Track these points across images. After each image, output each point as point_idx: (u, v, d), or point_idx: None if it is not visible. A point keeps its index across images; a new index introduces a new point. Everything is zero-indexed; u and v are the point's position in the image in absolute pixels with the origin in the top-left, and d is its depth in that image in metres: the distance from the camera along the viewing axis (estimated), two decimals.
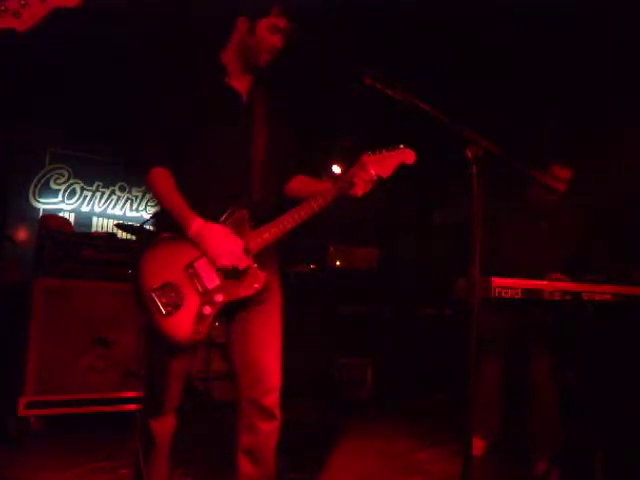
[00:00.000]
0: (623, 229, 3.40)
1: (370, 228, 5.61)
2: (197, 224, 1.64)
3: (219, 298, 1.64)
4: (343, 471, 2.78)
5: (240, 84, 1.81)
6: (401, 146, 1.79)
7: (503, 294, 2.16)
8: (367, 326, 4.94)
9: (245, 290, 1.67)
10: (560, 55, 3.70)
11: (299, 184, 1.93)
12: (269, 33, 1.72)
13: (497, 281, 2.17)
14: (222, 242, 1.63)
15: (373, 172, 1.73)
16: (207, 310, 1.62)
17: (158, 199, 1.73)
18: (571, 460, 2.76)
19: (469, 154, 1.52)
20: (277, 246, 1.79)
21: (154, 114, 1.78)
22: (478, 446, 2.98)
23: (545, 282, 2.36)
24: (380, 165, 1.76)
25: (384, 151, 1.78)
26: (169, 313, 1.60)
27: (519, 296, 2.19)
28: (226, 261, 1.63)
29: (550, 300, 2.23)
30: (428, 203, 5.66)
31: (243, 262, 1.65)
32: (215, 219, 1.69)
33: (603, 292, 2.33)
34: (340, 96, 4.05)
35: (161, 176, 1.71)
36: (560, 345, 2.84)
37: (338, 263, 5.39)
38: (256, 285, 1.68)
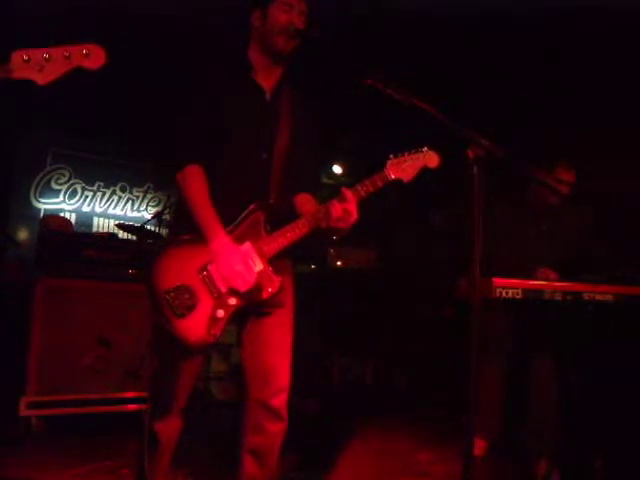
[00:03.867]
0: (624, 229, 3.40)
1: (369, 229, 5.61)
2: (221, 241, 1.64)
3: (232, 301, 1.64)
4: (343, 471, 2.78)
5: (266, 81, 1.81)
6: (425, 149, 1.76)
7: (504, 294, 2.16)
8: (367, 326, 4.94)
9: (259, 294, 1.66)
10: (562, 54, 3.70)
11: (302, 202, 1.87)
12: (282, 13, 1.71)
13: (498, 281, 2.17)
14: (238, 268, 1.62)
15: (353, 207, 1.67)
16: (220, 313, 1.62)
17: (187, 200, 1.70)
18: (571, 460, 2.76)
19: (470, 154, 1.52)
20: (290, 249, 1.79)
21: (185, 114, 1.78)
22: (479, 446, 2.98)
23: (546, 282, 2.36)
24: (401, 169, 1.73)
25: (406, 154, 1.75)
26: (182, 315, 1.60)
27: (520, 296, 2.19)
28: (234, 285, 1.62)
29: (551, 300, 2.23)
30: (428, 203, 5.65)
31: (257, 266, 1.65)
32: (231, 220, 1.68)
33: (604, 292, 2.33)
34: (340, 95, 4.05)
35: (196, 177, 1.70)
36: (561, 345, 2.84)
37: (339, 263, 5.40)
38: (270, 289, 1.67)
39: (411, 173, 1.74)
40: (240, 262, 1.63)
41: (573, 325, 2.69)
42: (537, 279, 2.56)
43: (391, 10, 3.64)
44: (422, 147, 1.77)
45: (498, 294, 2.15)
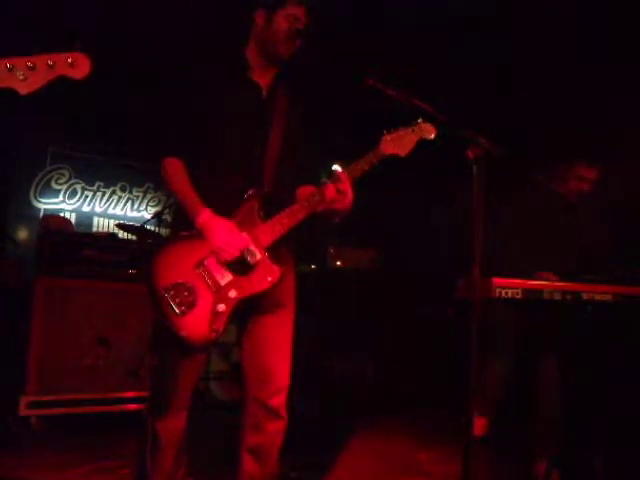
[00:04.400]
0: (626, 229, 3.40)
1: (370, 229, 5.61)
2: (204, 215, 1.64)
3: (233, 294, 1.62)
4: (343, 471, 2.78)
5: (262, 79, 1.81)
6: (419, 121, 1.73)
7: (503, 294, 2.16)
8: (367, 326, 4.94)
9: (259, 284, 1.65)
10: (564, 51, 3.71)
11: (300, 192, 1.85)
12: (287, 23, 1.72)
13: (497, 281, 2.17)
14: (226, 236, 1.62)
15: (346, 187, 1.67)
16: (221, 307, 1.61)
17: (170, 190, 1.73)
18: (571, 460, 2.76)
19: (470, 154, 1.52)
20: (292, 246, 1.79)
21: (176, 111, 1.79)
22: (479, 425, 2.94)
23: (545, 282, 2.36)
24: (397, 144, 1.71)
25: (401, 128, 1.73)
26: (183, 312, 1.59)
27: (519, 296, 2.19)
28: (228, 255, 1.62)
29: (550, 300, 2.23)
30: (428, 203, 5.66)
31: (255, 255, 1.64)
32: (227, 213, 1.68)
33: (603, 292, 2.32)
34: (341, 95, 4.05)
35: (173, 166, 1.72)
36: (560, 345, 2.84)
37: (339, 263, 5.40)
38: (270, 278, 1.65)
39: (407, 147, 1.72)
40: (227, 230, 1.63)
41: (572, 325, 2.69)
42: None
43: (392, 10, 3.65)
44: (416, 119, 1.73)
45: (498, 294, 2.15)
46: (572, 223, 2.96)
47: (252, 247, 1.65)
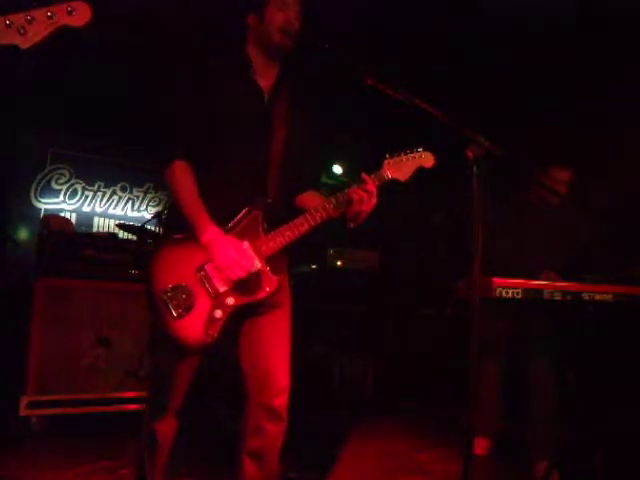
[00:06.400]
0: (624, 229, 3.40)
1: (370, 229, 5.61)
2: (211, 233, 1.62)
3: (230, 301, 1.63)
4: (343, 471, 2.78)
5: (264, 80, 1.81)
6: (420, 149, 1.79)
7: (504, 294, 2.16)
8: (367, 326, 4.93)
9: (257, 294, 1.66)
10: (561, 53, 3.71)
11: (308, 199, 1.88)
12: (278, 11, 1.72)
13: (498, 281, 2.17)
14: (234, 256, 1.61)
15: (373, 188, 1.71)
16: (218, 313, 1.61)
17: (176, 196, 1.69)
18: (571, 461, 2.76)
19: (470, 154, 1.52)
20: (286, 248, 1.79)
21: (179, 111, 1.77)
22: (482, 446, 2.97)
23: (546, 282, 2.36)
24: (398, 169, 1.76)
25: (402, 154, 1.78)
26: (180, 315, 1.59)
27: (520, 296, 2.19)
28: (233, 275, 1.61)
29: (550, 300, 2.23)
30: (428, 203, 5.66)
31: (255, 266, 1.64)
32: (229, 219, 1.68)
33: (603, 292, 2.32)
34: (341, 95, 4.05)
35: (183, 172, 1.69)
36: (560, 345, 2.84)
37: (339, 263, 5.39)
38: (268, 288, 1.66)
39: (407, 173, 1.77)
40: (234, 250, 1.62)
41: (573, 325, 2.69)
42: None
43: (392, 10, 3.65)
44: (418, 147, 1.80)
45: (498, 294, 2.15)
46: (556, 225, 2.97)
47: (254, 259, 1.65)
